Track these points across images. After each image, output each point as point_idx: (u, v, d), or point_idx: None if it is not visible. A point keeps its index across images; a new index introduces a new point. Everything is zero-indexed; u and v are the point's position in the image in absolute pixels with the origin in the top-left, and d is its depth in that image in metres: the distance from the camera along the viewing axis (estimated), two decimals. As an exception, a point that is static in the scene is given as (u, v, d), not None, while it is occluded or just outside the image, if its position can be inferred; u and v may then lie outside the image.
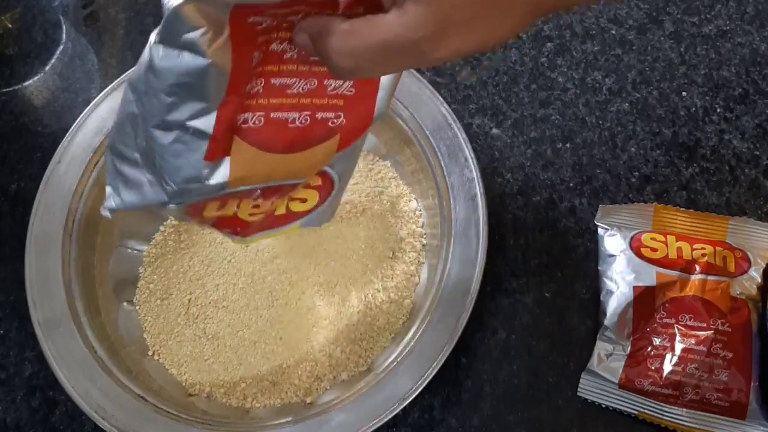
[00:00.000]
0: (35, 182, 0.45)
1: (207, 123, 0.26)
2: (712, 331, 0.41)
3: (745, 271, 0.43)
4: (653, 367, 0.41)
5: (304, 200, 0.35)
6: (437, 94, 0.46)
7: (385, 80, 0.30)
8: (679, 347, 0.41)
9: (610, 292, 0.44)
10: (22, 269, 0.43)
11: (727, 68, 0.53)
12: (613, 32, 0.55)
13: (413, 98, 0.45)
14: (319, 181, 0.34)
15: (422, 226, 0.47)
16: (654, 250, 0.44)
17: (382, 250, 0.46)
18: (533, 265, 0.47)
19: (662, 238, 0.44)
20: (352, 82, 0.29)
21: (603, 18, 0.55)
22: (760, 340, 0.42)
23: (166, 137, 0.27)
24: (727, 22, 0.55)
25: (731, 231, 0.45)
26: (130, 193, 0.31)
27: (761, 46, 0.54)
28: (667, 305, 0.42)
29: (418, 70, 0.47)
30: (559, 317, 0.46)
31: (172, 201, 0.30)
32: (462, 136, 0.44)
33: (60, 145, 0.46)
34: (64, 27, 0.59)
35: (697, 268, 0.43)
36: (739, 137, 0.50)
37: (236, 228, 0.34)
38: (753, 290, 0.43)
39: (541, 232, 0.48)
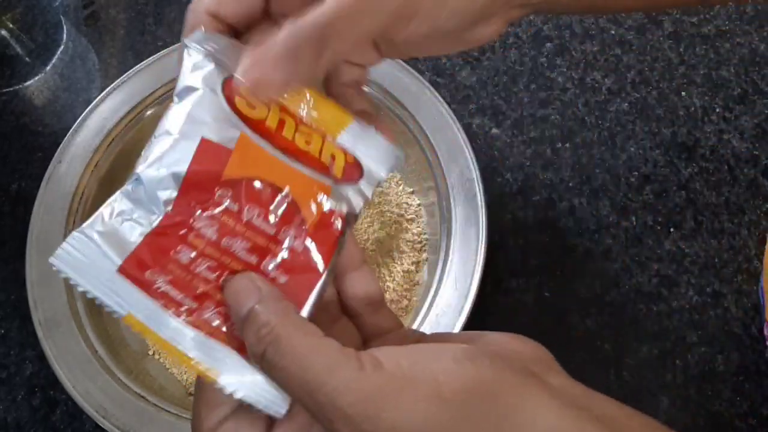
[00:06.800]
0: (36, 182, 0.45)
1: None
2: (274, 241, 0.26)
3: (355, 181, 0.28)
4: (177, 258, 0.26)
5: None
6: (437, 94, 0.46)
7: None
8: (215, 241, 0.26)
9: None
10: (22, 269, 0.43)
11: (726, 68, 0.53)
12: (613, 32, 0.55)
13: (413, 98, 0.45)
14: None
15: (422, 226, 0.47)
16: (252, 107, 0.28)
17: (382, 250, 0.46)
18: (533, 265, 0.47)
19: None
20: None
21: (602, 18, 0.55)
22: None
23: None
24: (726, 23, 0.55)
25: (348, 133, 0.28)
26: None
27: (760, 46, 0.54)
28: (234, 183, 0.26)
29: (418, 70, 0.47)
30: (559, 317, 0.46)
31: None
32: (462, 136, 0.45)
33: (60, 145, 0.46)
34: (64, 27, 0.59)
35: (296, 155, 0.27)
36: (738, 137, 0.51)
37: None
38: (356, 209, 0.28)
39: (541, 232, 0.48)
